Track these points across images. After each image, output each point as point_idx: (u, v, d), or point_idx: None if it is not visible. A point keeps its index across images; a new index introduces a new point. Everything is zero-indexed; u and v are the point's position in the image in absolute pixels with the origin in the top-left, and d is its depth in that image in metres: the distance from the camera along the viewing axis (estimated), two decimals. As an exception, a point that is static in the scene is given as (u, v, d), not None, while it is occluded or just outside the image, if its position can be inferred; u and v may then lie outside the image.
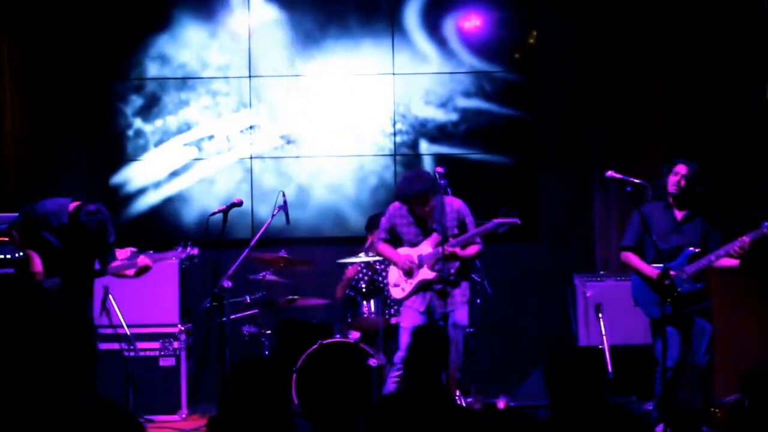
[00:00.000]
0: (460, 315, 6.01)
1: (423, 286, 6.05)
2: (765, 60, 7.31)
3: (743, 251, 5.71)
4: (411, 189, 5.96)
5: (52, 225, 5.81)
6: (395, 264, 6.13)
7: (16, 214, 5.97)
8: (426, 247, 6.05)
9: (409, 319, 6.08)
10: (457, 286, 6.01)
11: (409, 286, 6.07)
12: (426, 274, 6.01)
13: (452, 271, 5.93)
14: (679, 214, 6.02)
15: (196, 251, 6.05)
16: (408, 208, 6.09)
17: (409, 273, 6.05)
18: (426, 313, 6.03)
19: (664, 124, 7.91)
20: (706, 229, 5.99)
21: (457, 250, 5.89)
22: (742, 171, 7.31)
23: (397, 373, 6.03)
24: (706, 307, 5.98)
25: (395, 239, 6.19)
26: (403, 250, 6.12)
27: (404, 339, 6.06)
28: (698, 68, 7.69)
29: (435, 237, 6.02)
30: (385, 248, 6.19)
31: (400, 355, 6.07)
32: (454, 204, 6.06)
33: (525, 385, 7.08)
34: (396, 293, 6.16)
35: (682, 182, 5.95)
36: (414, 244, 6.10)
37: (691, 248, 5.90)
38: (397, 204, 6.17)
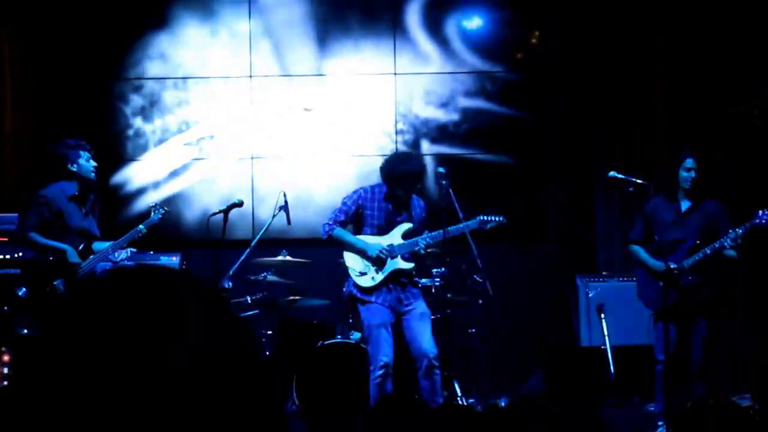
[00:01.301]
0: (423, 306, 5.83)
1: (394, 276, 5.82)
2: (766, 59, 7.30)
3: (737, 243, 5.67)
4: (404, 167, 5.75)
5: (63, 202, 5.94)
6: (361, 252, 5.81)
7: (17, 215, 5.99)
8: (396, 237, 5.85)
9: (379, 316, 5.76)
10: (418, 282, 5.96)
11: (380, 275, 5.80)
12: (402, 263, 5.81)
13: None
14: (683, 206, 5.99)
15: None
16: (387, 193, 5.85)
17: (380, 262, 5.79)
18: (392, 308, 5.80)
19: (666, 124, 7.90)
20: (717, 217, 5.88)
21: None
22: (742, 170, 7.29)
23: (380, 373, 5.67)
24: (706, 300, 5.94)
25: (350, 223, 5.94)
26: (368, 238, 5.86)
27: (379, 337, 5.72)
28: (700, 68, 7.68)
29: (404, 227, 5.87)
30: (346, 234, 5.89)
31: (379, 356, 5.69)
32: (421, 201, 6.02)
33: (526, 385, 7.05)
34: (364, 282, 5.82)
35: (696, 176, 5.89)
36: (382, 231, 5.87)
37: (690, 241, 5.87)
38: (368, 188, 5.95)
